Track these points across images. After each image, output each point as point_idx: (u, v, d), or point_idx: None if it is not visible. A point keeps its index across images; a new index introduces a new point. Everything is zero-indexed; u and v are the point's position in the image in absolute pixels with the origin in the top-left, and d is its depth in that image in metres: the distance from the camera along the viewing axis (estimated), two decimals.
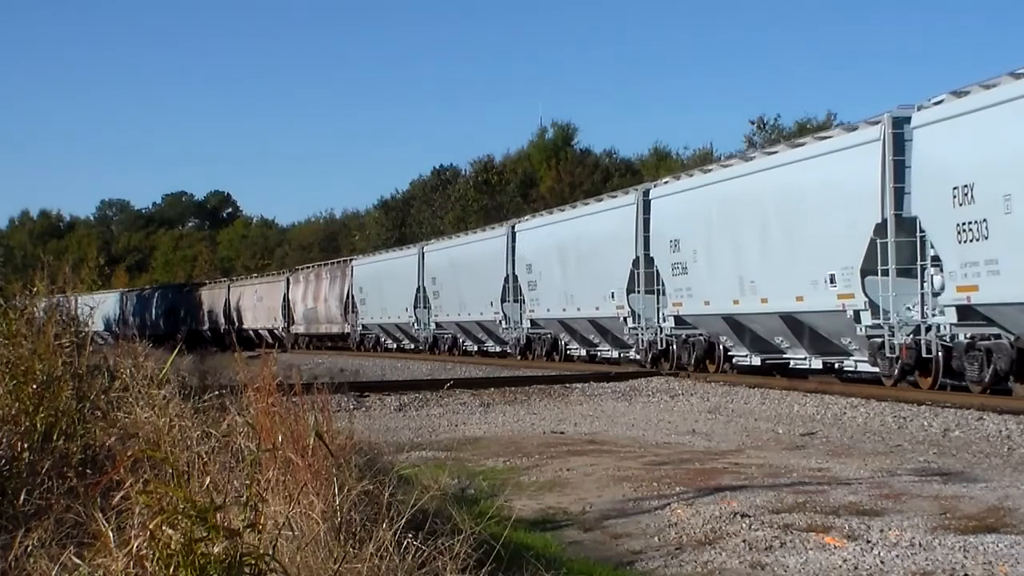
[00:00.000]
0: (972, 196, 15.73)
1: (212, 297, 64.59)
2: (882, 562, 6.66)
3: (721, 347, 23.78)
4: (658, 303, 25.84)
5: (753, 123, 55.13)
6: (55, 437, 6.71)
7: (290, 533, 4.95)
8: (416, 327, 41.96)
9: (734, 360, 23.53)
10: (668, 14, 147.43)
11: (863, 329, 18.44)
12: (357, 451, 6.98)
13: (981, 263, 15.69)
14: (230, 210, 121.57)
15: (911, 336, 17.58)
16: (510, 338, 34.93)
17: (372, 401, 19.33)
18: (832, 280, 18.93)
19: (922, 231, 17.29)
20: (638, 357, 27.40)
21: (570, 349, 31.83)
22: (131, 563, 4.09)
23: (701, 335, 24.48)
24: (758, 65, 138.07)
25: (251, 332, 57.95)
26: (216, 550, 4.12)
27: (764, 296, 21.19)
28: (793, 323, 20.71)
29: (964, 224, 15.92)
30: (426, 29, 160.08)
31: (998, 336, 16.03)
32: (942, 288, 16.85)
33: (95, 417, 7.12)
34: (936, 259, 17.08)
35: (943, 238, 16.64)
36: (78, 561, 4.39)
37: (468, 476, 10.12)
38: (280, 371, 7.32)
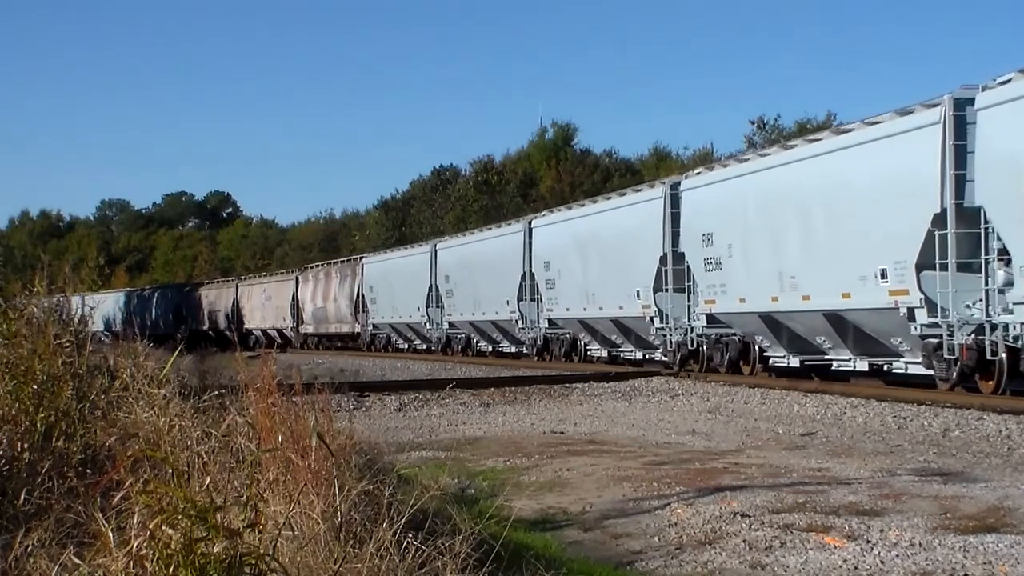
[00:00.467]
0: None
1: (219, 296, 63.59)
2: (882, 562, 6.66)
3: (756, 348, 22.44)
4: (688, 301, 24.48)
5: (753, 123, 55.22)
6: (55, 437, 6.71)
7: (290, 533, 4.95)
8: (428, 327, 40.90)
9: (771, 362, 22.13)
10: (668, 14, 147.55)
11: (918, 328, 17.13)
12: (357, 451, 6.98)
13: None
14: (230, 210, 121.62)
15: (972, 336, 16.27)
16: (527, 338, 33.81)
17: (372, 401, 19.33)
18: (883, 275, 17.58)
19: (987, 222, 15.93)
20: (665, 358, 26.11)
21: (590, 350, 30.58)
22: (131, 563, 4.10)
23: (735, 335, 23.09)
24: (758, 65, 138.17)
25: (259, 332, 57.18)
26: (216, 550, 4.12)
27: (806, 293, 19.82)
28: (837, 322, 19.37)
29: None
30: (426, 29, 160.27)
31: None
32: (1009, 284, 15.56)
33: (95, 417, 7.13)
34: (1003, 252, 15.72)
35: (1013, 229, 15.35)
36: (78, 561, 4.39)
37: (468, 476, 10.13)
38: (280, 371, 7.33)
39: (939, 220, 16.47)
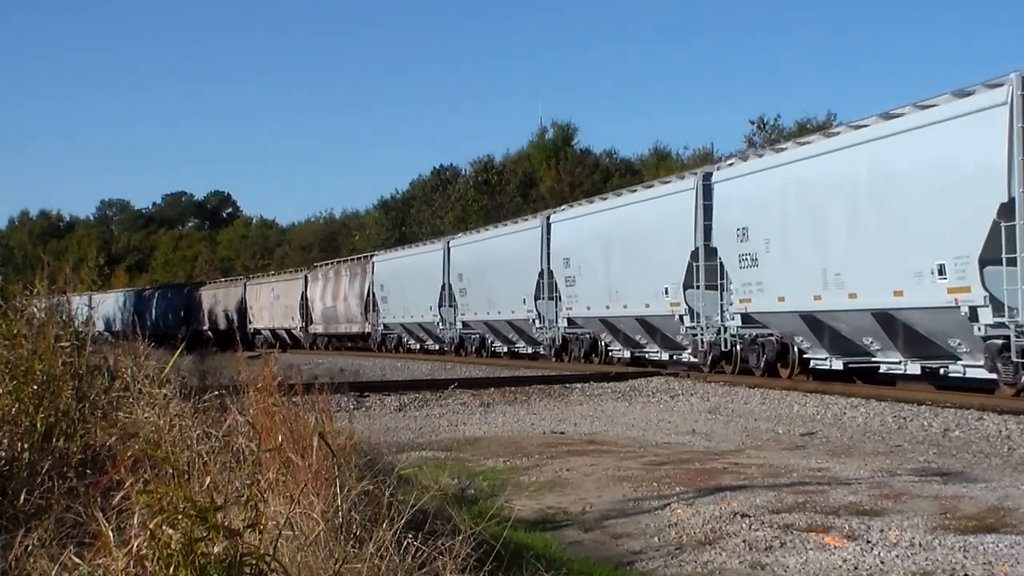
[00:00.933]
0: None
1: (227, 296, 62.33)
2: (882, 562, 6.66)
3: (796, 349, 21.12)
4: (721, 299, 23.08)
5: (753, 123, 55.23)
6: (55, 437, 6.71)
7: (290, 533, 4.95)
8: (441, 327, 39.56)
9: (811, 364, 20.79)
10: (668, 14, 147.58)
11: (981, 329, 15.75)
12: (357, 451, 6.98)
13: None
14: (230, 210, 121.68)
15: None
16: (544, 338, 32.37)
17: (372, 401, 19.33)
18: (941, 271, 16.15)
19: None
20: (695, 359, 24.70)
21: (612, 350, 29.11)
22: (131, 563, 4.10)
23: (772, 335, 21.74)
24: (758, 65, 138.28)
25: (268, 332, 56.19)
26: (216, 550, 4.12)
27: (852, 291, 18.39)
28: (887, 321, 17.94)
29: None
30: (426, 29, 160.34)
31: None
32: None
33: (95, 417, 7.13)
34: None
35: None
36: (78, 561, 4.39)
37: (468, 476, 10.13)
38: (280, 371, 7.33)
39: (1006, 211, 15.07)
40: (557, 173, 64.68)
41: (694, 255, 23.55)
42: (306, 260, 72.10)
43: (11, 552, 4.93)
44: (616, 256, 27.34)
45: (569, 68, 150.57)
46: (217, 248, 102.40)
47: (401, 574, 4.79)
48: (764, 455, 11.61)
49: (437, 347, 41.03)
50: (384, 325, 45.25)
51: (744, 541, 7.33)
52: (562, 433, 14.36)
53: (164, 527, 4.12)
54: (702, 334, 23.77)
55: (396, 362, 36.38)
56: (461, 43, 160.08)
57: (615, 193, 30.77)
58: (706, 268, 23.31)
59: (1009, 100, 15.09)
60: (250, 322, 58.43)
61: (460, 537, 5.02)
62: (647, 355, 27.68)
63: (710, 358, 23.66)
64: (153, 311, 68.24)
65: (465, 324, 38.15)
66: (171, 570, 4.06)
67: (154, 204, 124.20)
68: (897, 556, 6.76)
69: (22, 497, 5.98)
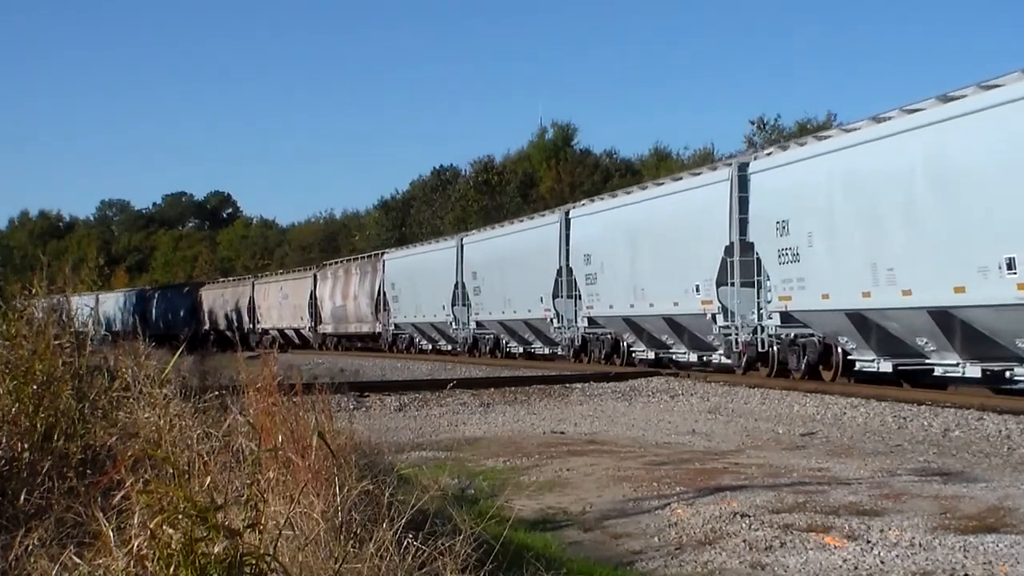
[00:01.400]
0: None
1: (235, 295, 60.87)
2: (882, 562, 6.66)
3: (839, 350, 19.78)
4: (758, 297, 21.67)
5: (753, 123, 55.29)
6: (55, 437, 6.72)
7: (290, 533, 4.95)
8: (454, 327, 38.17)
9: (856, 366, 19.38)
10: (668, 14, 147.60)
11: None
12: (357, 451, 6.98)
13: None
14: (230, 210, 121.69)
15: None
16: (562, 339, 31.01)
17: (372, 401, 19.33)
18: (1010, 265, 14.86)
19: None
20: (727, 361, 23.36)
21: (635, 351, 27.70)
22: (131, 563, 4.10)
23: (814, 335, 20.39)
24: (758, 65, 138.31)
25: (276, 332, 54.97)
26: (216, 550, 4.12)
27: (906, 287, 16.98)
28: (944, 320, 16.58)
29: None
30: (426, 29, 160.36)
31: None
32: None
33: (96, 417, 7.13)
34: None
35: None
36: (78, 561, 4.40)
37: (468, 476, 10.13)
38: (280, 371, 7.33)
39: None
40: (557, 173, 64.71)
41: (728, 250, 22.19)
42: (306, 260, 72.05)
43: (11, 552, 4.93)
44: (642, 252, 25.91)
45: (569, 68, 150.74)
46: (217, 248, 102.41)
47: (401, 574, 4.80)
48: (764, 455, 11.61)
49: (450, 348, 39.87)
50: (395, 325, 43.98)
51: (744, 541, 7.33)
52: (562, 433, 14.36)
53: (164, 527, 4.12)
54: (737, 334, 22.36)
55: (396, 362, 36.33)
56: (461, 43, 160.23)
57: (640, 186, 29.43)
58: (742, 264, 21.92)
59: None
60: (258, 322, 57.40)
61: (460, 537, 5.02)
62: (673, 356, 26.30)
63: (745, 359, 22.38)
64: (164, 310, 67.35)
65: (479, 324, 36.87)
66: (171, 570, 4.07)
67: (154, 204, 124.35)
68: (897, 556, 6.76)
69: (22, 497, 5.99)
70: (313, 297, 51.41)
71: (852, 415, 15.67)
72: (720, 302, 22.45)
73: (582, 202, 32.56)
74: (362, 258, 50.16)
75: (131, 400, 7.10)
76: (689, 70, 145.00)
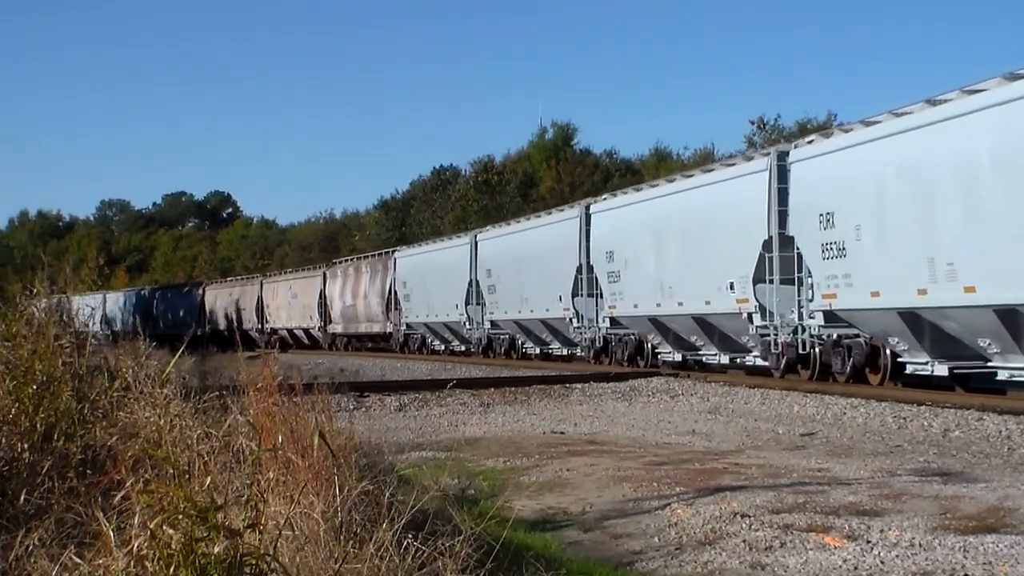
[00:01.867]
0: None
1: (243, 294, 59.59)
2: (882, 562, 6.66)
3: (888, 351, 18.50)
4: (799, 295, 20.27)
5: (753, 123, 55.31)
6: (55, 437, 6.72)
7: (290, 533, 4.95)
8: (468, 327, 36.90)
9: (908, 369, 18.09)
10: (668, 14, 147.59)
11: None
12: (357, 451, 6.98)
13: None
14: (230, 210, 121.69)
15: None
16: (583, 339, 29.71)
17: (372, 401, 19.33)
18: None
19: None
20: (764, 363, 22.04)
21: (660, 352, 26.40)
22: (132, 563, 4.10)
23: (860, 336, 19.06)
24: (758, 65, 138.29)
25: (285, 332, 54.19)
26: (217, 550, 4.12)
27: (969, 283, 15.71)
28: (1012, 319, 15.40)
29: None
30: (426, 29, 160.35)
31: None
32: None
33: (96, 417, 7.14)
34: None
35: None
36: (78, 561, 4.40)
37: (468, 476, 10.13)
38: (280, 371, 7.33)
39: None
40: (557, 173, 64.72)
41: (766, 245, 20.80)
42: (306, 260, 72.04)
43: (11, 552, 4.93)
44: (670, 248, 24.51)
45: (569, 68, 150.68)
46: (217, 248, 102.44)
47: (401, 574, 4.80)
48: (764, 455, 11.61)
49: (463, 348, 38.72)
50: (407, 325, 42.69)
51: (744, 541, 7.33)
52: (562, 433, 14.36)
53: (164, 527, 4.12)
54: (775, 334, 20.96)
55: (396, 362, 36.31)
56: (461, 43, 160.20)
57: (667, 179, 28.02)
58: (781, 260, 20.51)
59: None
60: (266, 322, 56.38)
61: (460, 537, 5.02)
62: (703, 358, 24.91)
63: (784, 361, 21.04)
64: (161, 311, 66.75)
65: (494, 324, 35.58)
66: (171, 570, 4.07)
67: (154, 204, 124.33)
68: (897, 556, 6.76)
69: (22, 497, 5.99)
70: (322, 296, 50.28)
71: (852, 415, 15.66)
72: (757, 300, 21.15)
73: (603, 196, 31.03)
74: (372, 256, 48.87)
75: (131, 400, 7.10)
76: (689, 70, 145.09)
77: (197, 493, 4.43)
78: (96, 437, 6.83)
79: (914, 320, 17.27)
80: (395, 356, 40.72)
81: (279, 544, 4.61)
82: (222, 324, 60.27)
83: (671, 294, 24.36)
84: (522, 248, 32.99)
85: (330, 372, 24.47)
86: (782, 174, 20.66)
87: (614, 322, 27.90)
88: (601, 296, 28.31)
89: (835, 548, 7.01)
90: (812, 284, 19.71)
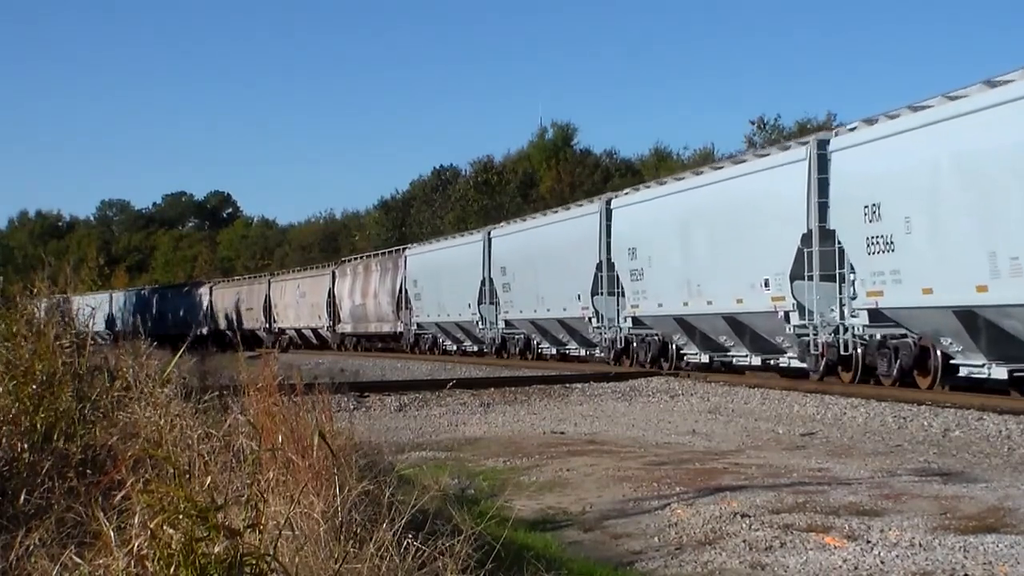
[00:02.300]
0: None
1: (251, 294, 58.73)
2: (882, 562, 6.66)
3: (939, 353, 17.42)
4: (840, 293, 19.16)
5: (753, 123, 55.30)
6: (55, 437, 6.73)
7: (291, 533, 4.95)
8: (481, 326, 35.82)
9: (962, 371, 16.96)
10: (668, 14, 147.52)
11: None
12: (357, 451, 6.99)
13: None
14: (230, 210, 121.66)
15: None
16: (603, 339, 28.59)
17: (372, 401, 19.34)
18: None
19: None
20: (802, 364, 20.80)
21: (686, 353, 25.17)
22: (132, 563, 4.10)
23: (908, 337, 17.94)
24: (758, 65, 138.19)
25: (293, 332, 53.45)
26: (217, 550, 4.12)
27: None
28: None
29: None
30: (426, 29, 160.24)
31: None
32: None
33: (97, 417, 7.14)
34: None
35: None
36: (79, 560, 4.40)
37: (468, 476, 10.13)
38: (281, 371, 7.34)
39: None
40: (557, 173, 64.71)
41: (805, 239, 19.62)
42: (306, 260, 72.00)
43: (12, 552, 4.94)
44: (697, 244, 23.35)
45: (569, 68, 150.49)
46: (217, 248, 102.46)
47: (401, 574, 4.80)
48: (764, 455, 11.61)
49: (476, 348, 37.71)
50: (418, 324, 41.56)
51: (744, 541, 7.33)
52: (562, 433, 14.36)
53: (165, 527, 4.12)
54: (815, 334, 19.77)
55: (396, 362, 36.31)
56: (461, 43, 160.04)
57: (694, 171, 26.76)
58: (821, 255, 19.34)
59: None
60: (274, 321, 55.69)
61: (460, 537, 5.02)
62: (732, 360, 23.72)
63: (823, 363, 19.83)
64: (166, 310, 66.27)
65: (508, 323, 34.44)
66: (172, 570, 4.07)
67: (154, 204, 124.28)
68: (897, 556, 6.77)
69: (22, 497, 5.99)
70: (331, 295, 49.29)
71: (852, 415, 15.67)
72: (795, 298, 19.91)
73: (625, 190, 29.88)
74: (383, 254, 47.71)
75: (132, 400, 7.10)
76: (689, 70, 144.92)
77: (197, 493, 4.43)
78: (96, 437, 6.83)
79: (970, 319, 16.12)
80: (404, 356, 39.96)
81: (279, 544, 4.61)
82: (231, 323, 59.43)
83: (699, 292, 23.24)
84: (538, 245, 31.93)
85: (330, 372, 24.47)
86: (822, 164, 19.49)
87: (636, 322, 26.69)
88: (622, 295, 27.19)
89: (835, 548, 7.01)
90: (855, 280, 18.65)
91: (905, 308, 17.37)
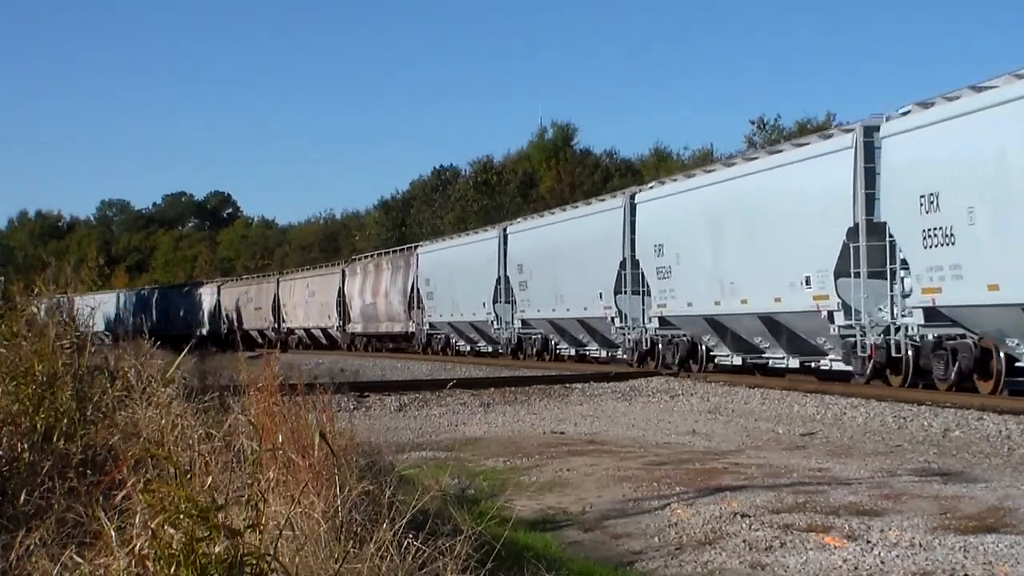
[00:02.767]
0: None
1: (259, 293, 58.04)
2: (882, 562, 6.67)
3: (1002, 355, 16.10)
4: (891, 290, 17.83)
5: (753, 123, 55.28)
6: (55, 437, 6.73)
7: (291, 533, 4.95)
8: (496, 326, 34.73)
9: None
10: (668, 14, 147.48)
11: None
12: (358, 451, 6.99)
13: None
14: (230, 210, 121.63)
15: None
16: (626, 340, 27.34)
17: (372, 401, 19.34)
18: None
19: None
20: (847, 367, 19.34)
21: (717, 355, 23.95)
22: (132, 563, 4.10)
23: (967, 337, 16.63)
24: (758, 65, 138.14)
25: (302, 332, 52.72)
26: (217, 550, 4.12)
27: None
28: None
29: None
30: (426, 29, 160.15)
31: None
32: None
33: (97, 417, 7.14)
34: None
35: None
36: (79, 561, 4.40)
37: (468, 476, 10.14)
38: (281, 371, 7.34)
39: None
40: (557, 173, 64.70)
41: (851, 233, 18.27)
42: (307, 260, 71.99)
43: (12, 552, 4.94)
44: (730, 240, 22.14)
45: (569, 68, 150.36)
46: (217, 248, 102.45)
47: (401, 574, 4.80)
48: (764, 455, 11.61)
49: (490, 349, 36.58)
50: (430, 324, 40.42)
51: (744, 541, 7.34)
52: (562, 433, 14.36)
53: (165, 527, 4.12)
54: (862, 335, 18.45)
55: (396, 362, 36.31)
56: (461, 43, 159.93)
57: (724, 163, 25.48)
58: (868, 250, 18.00)
59: None
60: (283, 321, 54.92)
61: (461, 537, 5.02)
62: (768, 362, 22.45)
63: (871, 366, 18.37)
64: (180, 310, 65.78)
65: (524, 323, 33.32)
66: (172, 570, 4.07)
67: (154, 204, 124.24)
68: (897, 556, 6.77)
69: (22, 497, 5.99)
70: (341, 294, 48.25)
71: (852, 415, 15.67)
72: (839, 297, 18.63)
73: (650, 184, 28.64)
74: (394, 252, 46.51)
75: (133, 400, 7.11)
76: (689, 70, 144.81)
77: (198, 493, 4.43)
78: (97, 437, 6.83)
79: None
80: (416, 357, 39.24)
81: (279, 544, 4.61)
82: (237, 324, 58.62)
83: (732, 291, 21.99)
84: (557, 242, 30.63)
85: (330, 372, 24.47)
86: (869, 152, 18.10)
87: (663, 322, 25.38)
88: (648, 293, 25.90)
89: (835, 548, 7.01)
90: (909, 277, 17.31)
91: (967, 306, 16.02)
